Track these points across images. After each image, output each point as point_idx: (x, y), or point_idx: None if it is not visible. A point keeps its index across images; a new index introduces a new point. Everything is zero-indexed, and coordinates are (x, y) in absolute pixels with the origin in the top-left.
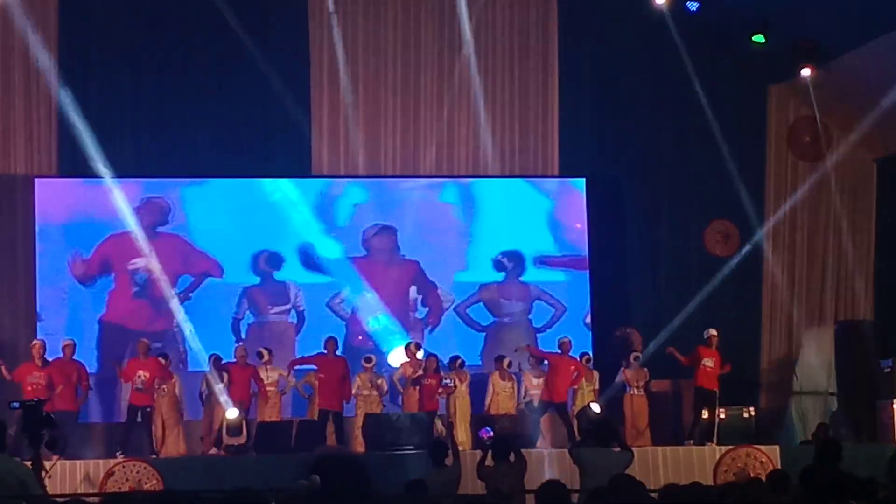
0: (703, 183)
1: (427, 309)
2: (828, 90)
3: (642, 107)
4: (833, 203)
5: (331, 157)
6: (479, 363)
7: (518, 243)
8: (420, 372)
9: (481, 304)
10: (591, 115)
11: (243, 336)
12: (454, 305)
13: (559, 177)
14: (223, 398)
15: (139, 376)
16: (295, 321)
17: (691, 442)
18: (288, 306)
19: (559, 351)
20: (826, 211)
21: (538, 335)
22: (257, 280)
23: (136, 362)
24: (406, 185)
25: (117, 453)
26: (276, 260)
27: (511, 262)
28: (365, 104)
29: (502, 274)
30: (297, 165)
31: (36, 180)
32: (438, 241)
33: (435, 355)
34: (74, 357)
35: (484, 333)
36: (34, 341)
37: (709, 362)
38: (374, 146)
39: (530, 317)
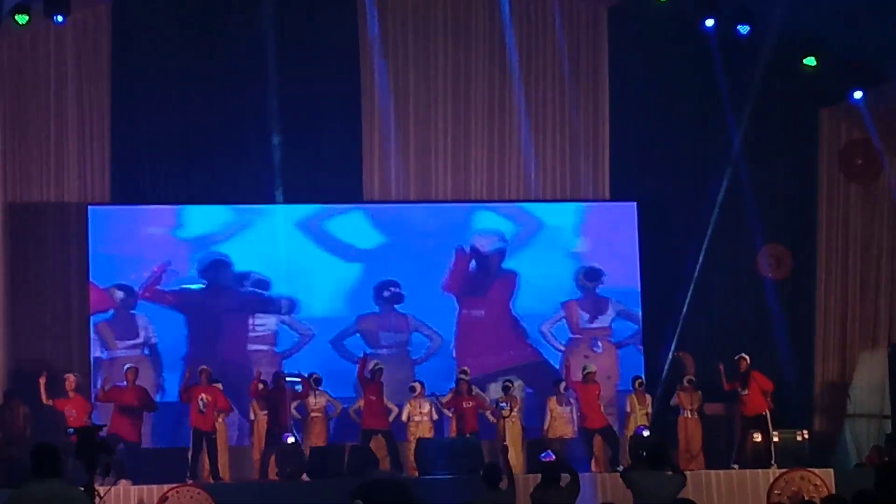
0: (755, 207)
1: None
2: (880, 112)
3: (693, 130)
4: (885, 225)
5: (381, 184)
6: (353, 394)
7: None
8: (466, 396)
9: (358, 335)
10: (642, 139)
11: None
12: (331, 337)
13: (610, 200)
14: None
15: (201, 399)
16: (148, 354)
17: (736, 466)
18: (138, 340)
19: (584, 381)
20: (879, 233)
21: (415, 367)
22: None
23: (198, 388)
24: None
25: (187, 480)
26: (129, 292)
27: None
28: (415, 131)
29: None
30: (348, 192)
31: (89, 208)
32: None
33: (467, 381)
34: (137, 383)
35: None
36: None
37: (742, 391)
38: (425, 172)
39: (408, 348)
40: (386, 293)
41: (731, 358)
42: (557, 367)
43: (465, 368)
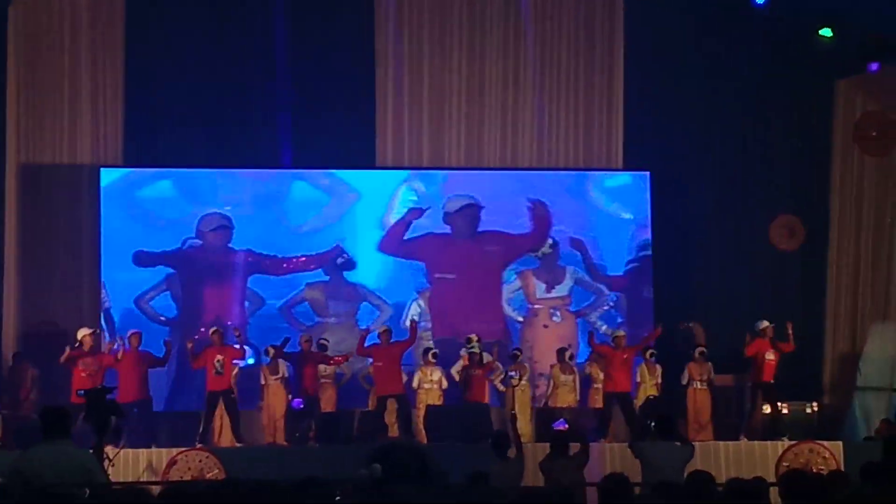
0: (768, 177)
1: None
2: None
3: (708, 100)
4: None
5: (395, 149)
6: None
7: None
8: (470, 364)
9: (306, 303)
10: (656, 109)
11: None
12: (278, 305)
13: (623, 170)
14: None
15: (217, 360)
16: (101, 318)
17: (745, 437)
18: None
19: (613, 345)
20: (892, 205)
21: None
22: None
23: (211, 350)
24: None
25: (196, 444)
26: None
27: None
28: (429, 96)
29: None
30: (362, 157)
31: (102, 170)
32: None
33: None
34: (140, 348)
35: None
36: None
37: (769, 355)
38: (438, 138)
39: (356, 318)
40: (339, 260)
41: (739, 328)
42: (516, 344)
43: (472, 336)
